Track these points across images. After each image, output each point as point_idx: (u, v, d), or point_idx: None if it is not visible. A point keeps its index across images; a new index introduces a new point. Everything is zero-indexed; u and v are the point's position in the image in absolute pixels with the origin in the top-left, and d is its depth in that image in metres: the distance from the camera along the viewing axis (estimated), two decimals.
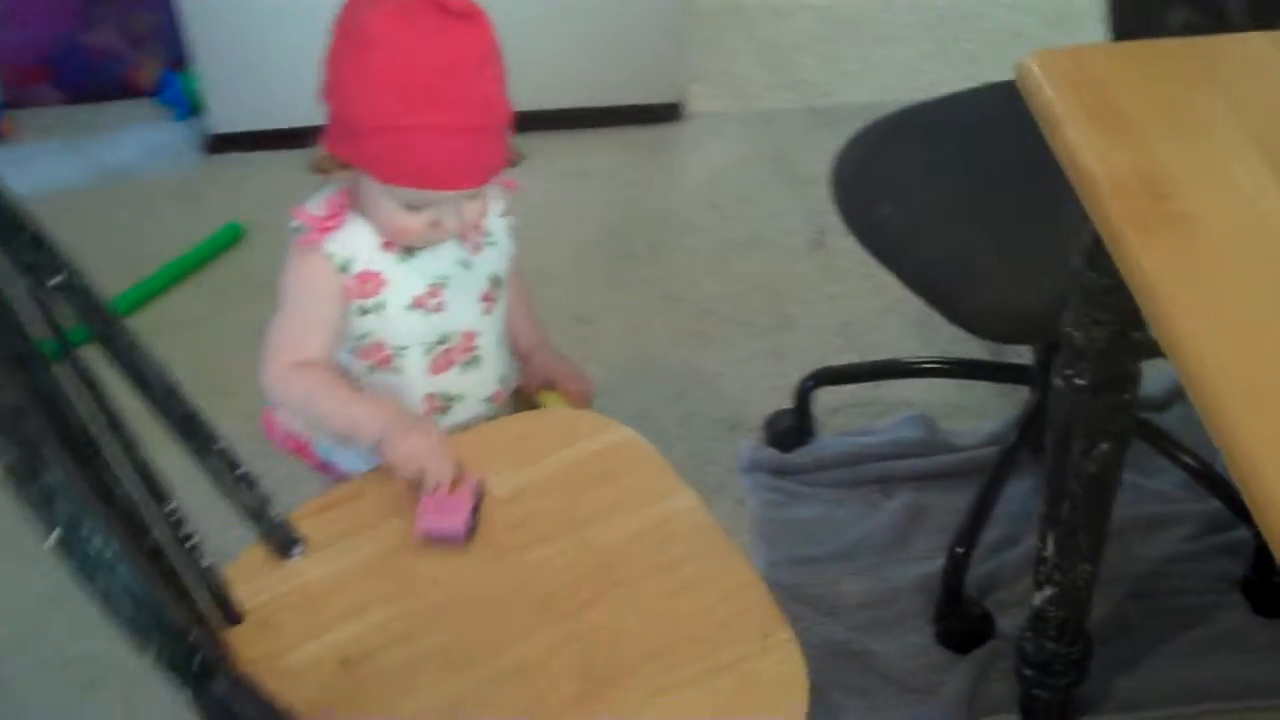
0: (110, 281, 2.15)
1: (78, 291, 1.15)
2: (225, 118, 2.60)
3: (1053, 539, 1.45)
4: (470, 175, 1.27)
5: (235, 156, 2.57)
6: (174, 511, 1.22)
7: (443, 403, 1.40)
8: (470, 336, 1.38)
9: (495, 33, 1.24)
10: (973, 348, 2.00)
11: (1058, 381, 1.35)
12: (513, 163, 1.35)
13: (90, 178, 2.62)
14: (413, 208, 1.28)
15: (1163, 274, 1.04)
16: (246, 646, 1.23)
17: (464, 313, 1.37)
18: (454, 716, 1.16)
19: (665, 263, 2.33)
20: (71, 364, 1.10)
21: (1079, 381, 1.33)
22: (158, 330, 2.08)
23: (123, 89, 2.79)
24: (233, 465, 1.27)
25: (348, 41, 1.23)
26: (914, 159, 1.70)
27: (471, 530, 1.27)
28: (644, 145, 2.59)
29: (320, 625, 1.24)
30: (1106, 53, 1.27)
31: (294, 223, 1.34)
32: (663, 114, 2.63)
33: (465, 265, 1.37)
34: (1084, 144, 1.14)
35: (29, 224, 1.11)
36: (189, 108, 2.70)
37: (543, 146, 2.54)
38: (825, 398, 2.01)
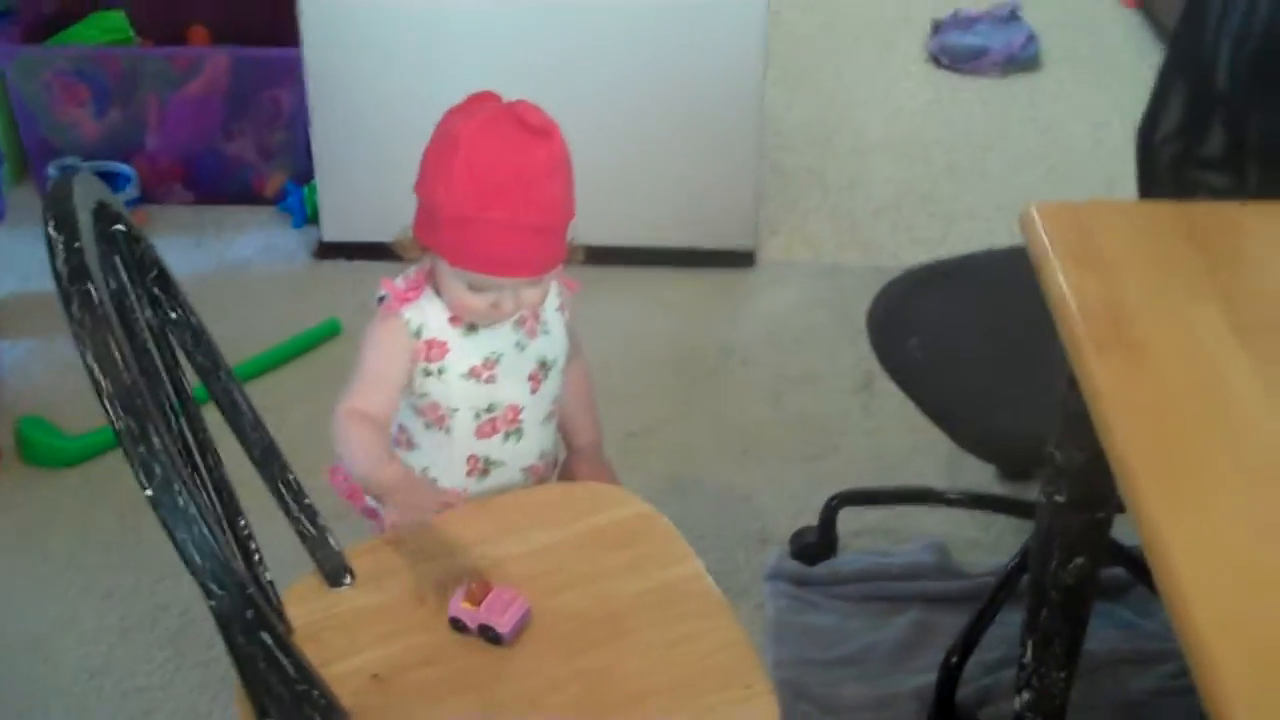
0: None
1: (192, 328, 1.36)
2: (335, 228, 2.85)
3: (1031, 646, 1.58)
4: (528, 266, 1.47)
5: (340, 262, 2.82)
6: (245, 527, 1.41)
7: (484, 465, 1.59)
8: (516, 410, 1.57)
9: (566, 148, 1.46)
10: (995, 489, 2.15)
11: (1040, 498, 1.50)
12: (569, 261, 1.55)
13: (211, 270, 2.87)
14: (476, 289, 1.48)
15: (1113, 387, 1.20)
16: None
17: (513, 388, 1.56)
18: None
19: (721, 390, 2.51)
20: (172, 385, 1.31)
21: (1058, 499, 1.48)
22: (255, 400, 2.29)
23: (249, 195, 3.06)
24: (299, 496, 1.46)
25: (440, 142, 1.45)
26: (941, 303, 1.88)
27: (514, 637, 1.39)
28: (718, 285, 2.79)
29: (358, 645, 1.41)
30: (1101, 208, 1.45)
31: (380, 292, 1.55)
32: (738, 260, 2.84)
33: (519, 346, 1.56)
34: (1063, 277, 1.32)
35: (159, 265, 1.32)
36: (305, 216, 2.96)
37: (628, 278, 2.78)
38: (852, 522, 2.16)
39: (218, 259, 2.90)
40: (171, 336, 1.34)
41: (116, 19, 3.05)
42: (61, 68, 2.92)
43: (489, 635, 1.38)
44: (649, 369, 2.57)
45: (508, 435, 1.58)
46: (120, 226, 1.26)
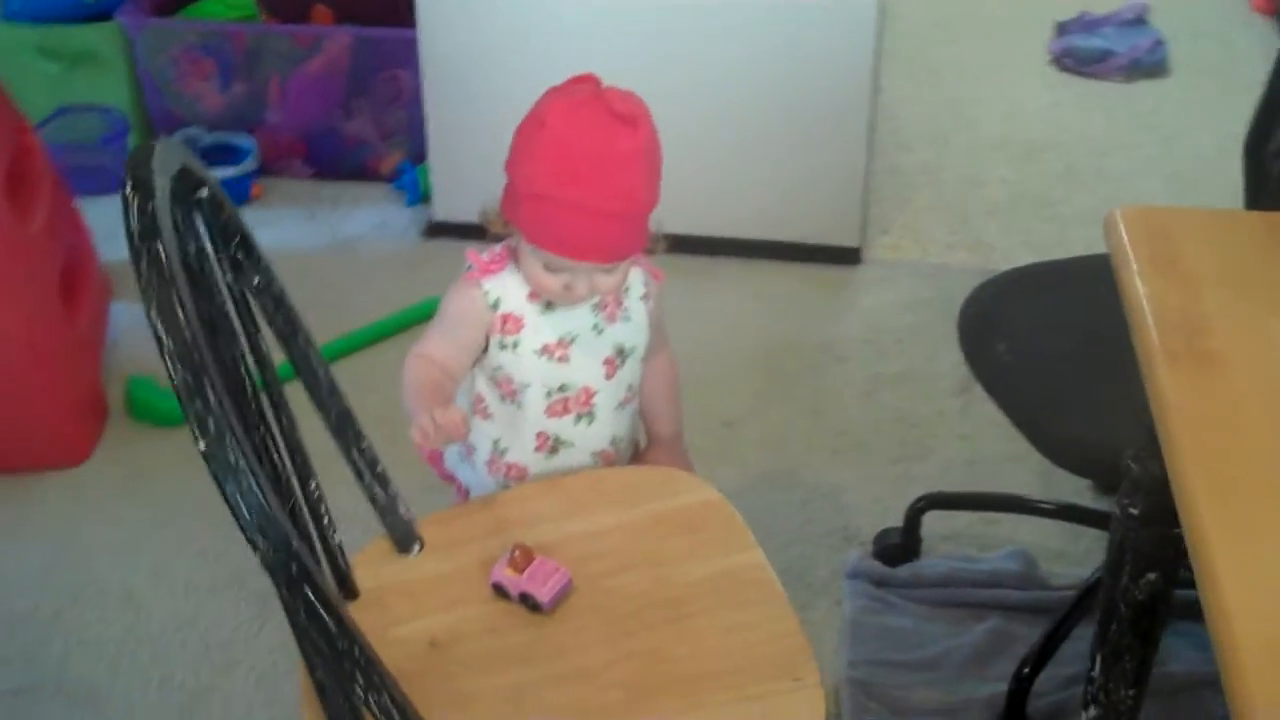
0: (323, 331, 2.46)
1: (273, 295, 1.39)
2: (446, 207, 2.89)
3: (1100, 660, 1.55)
4: (600, 252, 1.48)
5: (449, 242, 2.86)
6: (316, 489, 1.44)
7: (553, 444, 1.60)
8: (589, 392, 1.58)
9: (654, 138, 1.46)
10: (1089, 502, 2.11)
11: (1116, 510, 1.47)
12: (652, 252, 1.55)
13: (323, 244, 2.93)
14: (551, 269, 1.49)
15: (1181, 399, 1.17)
16: (358, 618, 1.42)
17: (586, 370, 1.57)
18: (513, 701, 1.33)
19: (816, 385, 2.50)
20: (251, 348, 1.34)
21: (1132, 511, 1.45)
22: (354, 373, 2.34)
23: (365, 172, 3.11)
24: (373, 463, 1.49)
25: (530, 121, 1.47)
26: (1034, 308, 1.85)
27: (553, 606, 1.41)
28: (821, 281, 2.78)
29: (420, 611, 1.44)
30: (1188, 215, 1.42)
31: (466, 261, 1.57)
32: (843, 256, 2.82)
33: (597, 330, 1.57)
34: (1140, 283, 1.29)
35: (243, 232, 1.35)
36: (418, 195, 3.00)
37: (731, 269, 2.79)
38: (939, 527, 2.14)
39: (331, 233, 2.96)
40: (253, 302, 1.37)
41: None
42: (188, 42, 3.01)
43: (529, 603, 1.40)
44: (746, 361, 2.57)
45: (579, 417, 1.59)
46: (204, 193, 1.29)
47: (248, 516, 1.01)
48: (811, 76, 2.66)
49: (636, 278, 1.60)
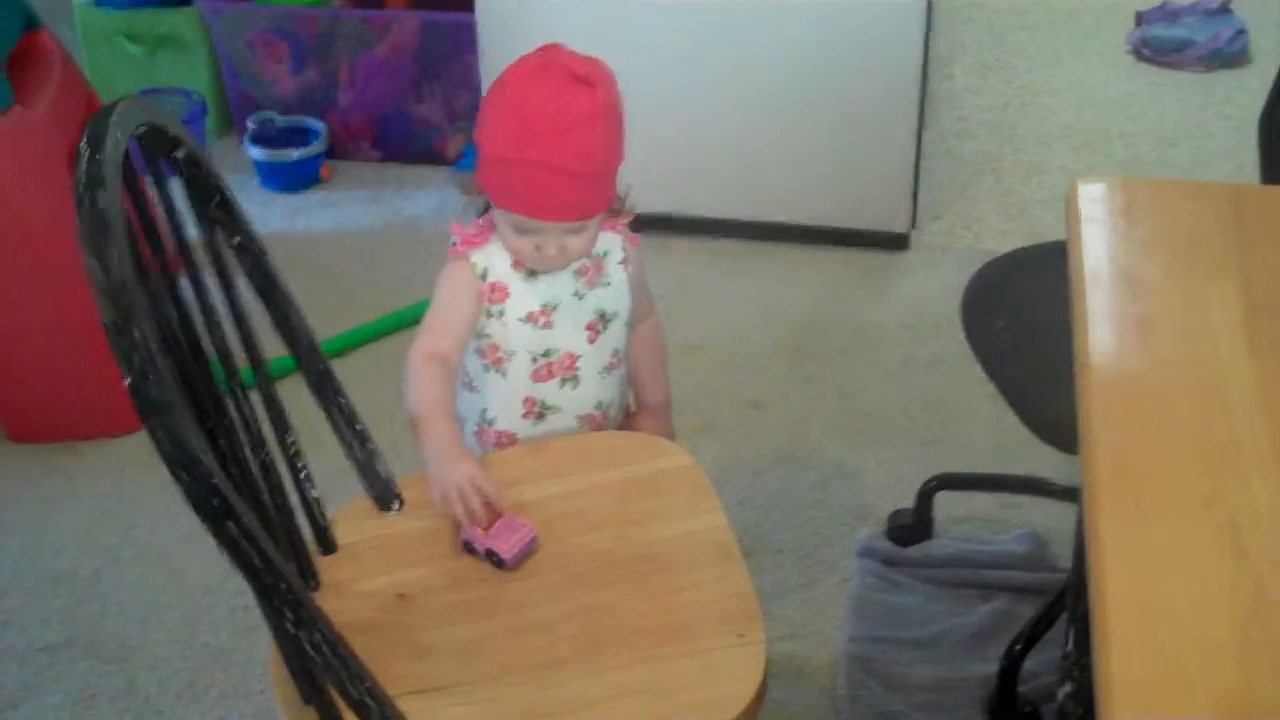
0: (378, 307, 2.53)
1: (253, 252, 1.45)
2: None
3: (1073, 636, 1.55)
4: (563, 210, 1.52)
5: None
6: (294, 444, 1.49)
7: (539, 409, 1.64)
8: (572, 357, 1.62)
9: (613, 98, 1.50)
10: None
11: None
12: (616, 211, 1.59)
13: (384, 224, 3.00)
14: (521, 232, 1.53)
15: (1103, 361, 1.18)
16: (333, 570, 1.49)
17: (569, 335, 1.61)
18: (469, 653, 1.38)
19: (847, 367, 2.51)
20: (230, 304, 1.40)
21: None
22: (399, 349, 2.41)
23: (431, 156, 3.18)
24: (352, 420, 1.55)
25: (494, 87, 1.51)
26: (1037, 287, 1.84)
27: (516, 564, 1.45)
28: (863, 266, 2.78)
29: (392, 565, 1.49)
30: (1151, 186, 1.43)
31: (452, 236, 1.62)
32: (890, 242, 2.82)
33: (578, 296, 1.60)
34: (1085, 248, 1.30)
35: (223, 192, 1.41)
36: None
37: (773, 254, 2.81)
38: (955, 509, 2.14)
39: (392, 214, 3.03)
40: (234, 260, 1.43)
41: None
42: (263, 26, 3.10)
43: (494, 560, 1.44)
44: (780, 343, 2.58)
45: (564, 381, 1.63)
46: (181, 152, 1.35)
47: (168, 449, 1.07)
48: (860, 61, 2.66)
49: (614, 243, 1.63)
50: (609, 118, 1.49)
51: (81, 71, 2.68)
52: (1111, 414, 1.13)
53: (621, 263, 1.65)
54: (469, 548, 1.47)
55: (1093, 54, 3.58)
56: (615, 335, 1.66)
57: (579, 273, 1.61)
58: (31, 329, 2.33)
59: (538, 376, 1.62)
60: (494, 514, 1.45)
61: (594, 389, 1.65)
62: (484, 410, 1.66)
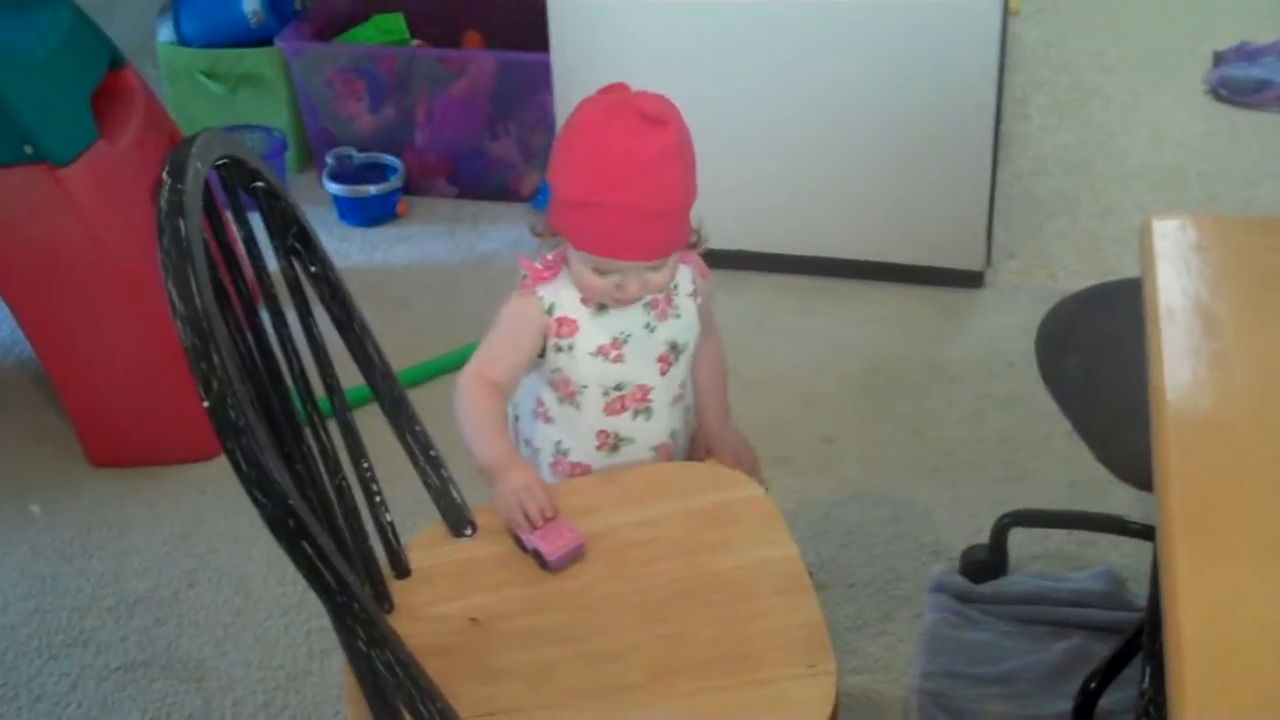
0: (453, 339, 2.55)
1: (329, 282, 1.48)
2: None
3: (1149, 673, 1.53)
4: (646, 250, 1.53)
5: None
6: (369, 469, 1.51)
7: (614, 441, 1.65)
8: (645, 389, 1.63)
9: (684, 135, 1.50)
10: None
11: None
12: (696, 249, 1.60)
13: (459, 259, 3.04)
14: (600, 272, 1.55)
15: (1179, 398, 1.17)
16: (407, 594, 1.50)
17: (641, 368, 1.62)
18: (538, 678, 1.38)
19: (922, 405, 2.50)
20: (306, 331, 1.42)
21: None
22: None
23: (506, 193, 3.22)
24: (426, 447, 1.56)
25: (565, 130, 1.53)
26: (1112, 324, 1.83)
27: (560, 566, 1.48)
28: (938, 304, 2.77)
29: (465, 590, 1.50)
30: (1221, 222, 1.42)
31: (521, 270, 1.63)
32: (965, 280, 2.81)
33: (649, 328, 1.61)
34: (1160, 284, 1.29)
35: (301, 222, 1.44)
36: None
37: (847, 290, 2.81)
38: (1032, 546, 2.12)
39: (467, 249, 3.07)
40: (312, 289, 1.46)
41: (395, 21, 3.27)
42: (342, 65, 3.15)
43: (540, 560, 1.48)
44: (852, 379, 2.58)
45: (636, 413, 1.64)
46: (260, 184, 1.38)
47: (245, 470, 1.09)
48: (936, 100, 2.67)
49: (685, 275, 1.64)
50: (682, 154, 1.51)
51: (164, 108, 2.74)
52: (1187, 450, 1.13)
53: (691, 294, 1.66)
54: (520, 544, 1.50)
55: (1170, 94, 3.56)
56: (684, 367, 1.66)
57: (650, 305, 1.62)
58: (114, 356, 2.38)
59: (610, 410, 1.63)
60: (550, 518, 1.49)
61: (666, 420, 1.66)
62: (559, 442, 1.67)
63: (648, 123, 1.47)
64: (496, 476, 1.52)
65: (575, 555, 1.48)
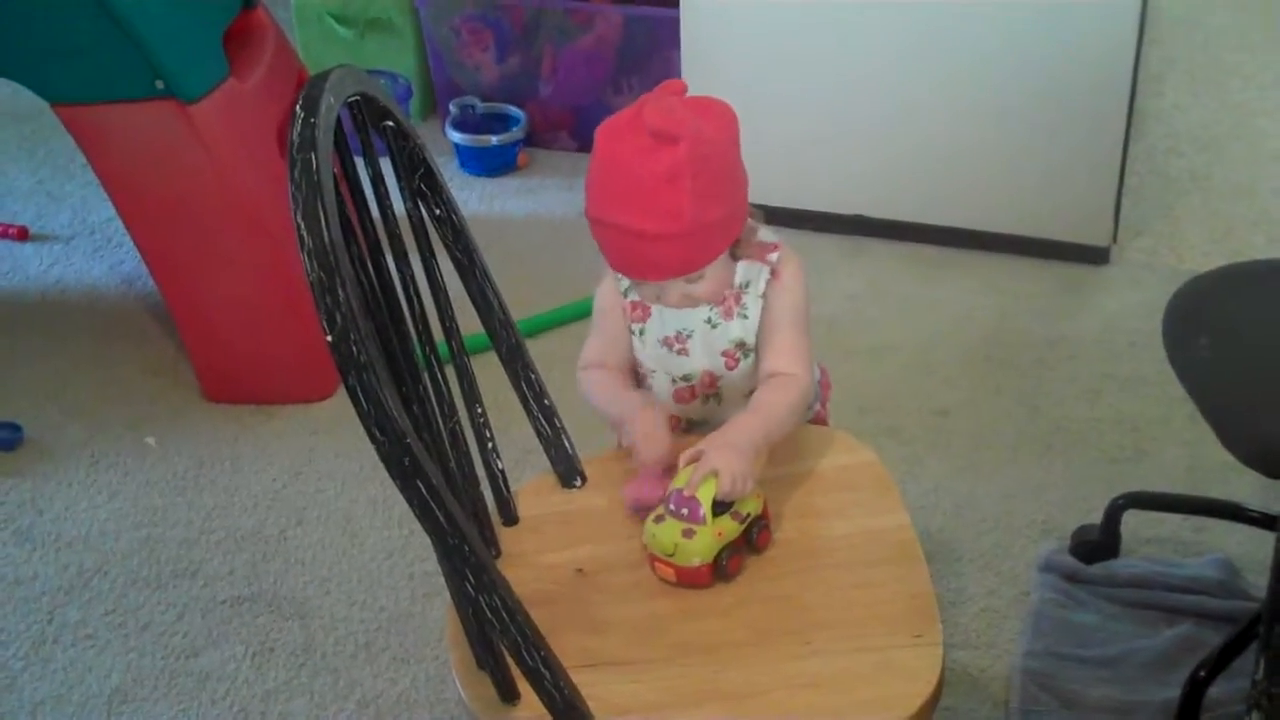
0: (569, 292, 2.54)
1: (453, 226, 1.48)
2: None
3: (1264, 664, 1.49)
4: (656, 270, 1.47)
5: None
6: (483, 415, 1.52)
7: (685, 425, 1.63)
8: (713, 377, 1.59)
9: (698, 151, 1.41)
10: None
11: None
12: (761, 244, 1.54)
13: (578, 213, 2.98)
14: (636, 282, 1.54)
15: None
16: (514, 541, 1.51)
17: (707, 361, 1.58)
18: (645, 630, 1.38)
19: (1040, 380, 2.45)
20: (426, 272, 1.43)
21: None
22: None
23: None
24: (540, 396, 1.56)
25: (595, 136, 1.47)
26: (1244, 305, 1.78)
27: (633, 509, 1.49)
28: (1061, 278, 2.72)
29: (572, 540, 1.50)
30: None
31: None
32: (1090, 256, 2.75)
33: (711, 324, 1.56)
34: None
35: (428, 164, 1.44)
36: None
37: (965, 261, 2.77)
38: (1145, 530, 2.08)
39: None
40: (434, 229, 1.46)
41: None
42: (470, 13, 3.16)
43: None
44: (972, 352, 2.54)
45: (706, 399, 1.61)
46: (390, 122, 1.38)
47: (365, 407, 1.09)
48: (1069, 72, 2.61)
49: (758, 275, 1.55)
50: (695, 172, 1.41)
51: (293, 49, 2.77)
52: None
53: (762, 295, 1.57)
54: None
55: None
56: (754, 363, 1.59)
57: (718, 301, 1.56)
58: (235, 293, 2.42)
59: (679, 398, 1.61)
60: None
61: (738, 405, 1.59)
62: None
63: (657, 140, 1.40)
64: (625, 421, 1.52)
65: (649, 504, 1.47)
